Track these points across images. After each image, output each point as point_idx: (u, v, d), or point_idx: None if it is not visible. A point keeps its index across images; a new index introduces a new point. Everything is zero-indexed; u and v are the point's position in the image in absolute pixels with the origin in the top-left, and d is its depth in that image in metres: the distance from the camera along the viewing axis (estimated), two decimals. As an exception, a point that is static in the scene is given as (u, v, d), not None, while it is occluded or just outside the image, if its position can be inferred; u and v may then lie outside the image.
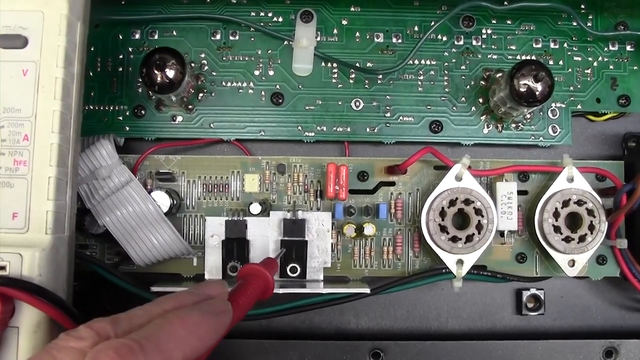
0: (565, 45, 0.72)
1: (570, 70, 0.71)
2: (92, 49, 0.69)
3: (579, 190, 0.65)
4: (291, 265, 0.65)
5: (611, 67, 0.71)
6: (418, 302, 0.72)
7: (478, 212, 0.64)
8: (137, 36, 0.70)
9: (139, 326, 0.42)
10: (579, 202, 0.65)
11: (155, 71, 0.62)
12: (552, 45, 0.72)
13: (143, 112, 0.69)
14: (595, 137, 0.74)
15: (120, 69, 0.70)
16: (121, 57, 0.70)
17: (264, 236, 0.66)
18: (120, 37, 0.70)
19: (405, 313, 0.72)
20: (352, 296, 0.64)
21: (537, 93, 0.64)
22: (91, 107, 0.69)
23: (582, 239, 0.65)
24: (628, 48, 0.72)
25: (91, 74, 0.69)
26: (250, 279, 0.52)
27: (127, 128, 0.69)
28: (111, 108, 0.69)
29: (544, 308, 0.71)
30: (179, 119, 0.69)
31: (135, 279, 0.64)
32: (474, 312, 0.72)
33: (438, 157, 0.65)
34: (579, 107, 0.71)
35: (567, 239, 0.65)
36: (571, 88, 0.71)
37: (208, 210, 0.68)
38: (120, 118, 0.69)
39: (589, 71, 0.71)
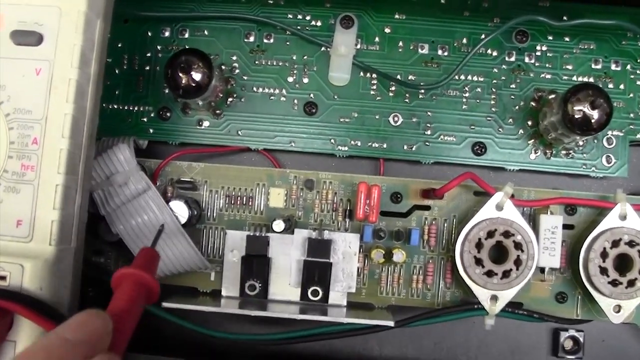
0: (628, 67, 0.67)
1: (631, 95, 0.67)
2: (120, 45, 0.67)
3: (632, 230, 0.61)
4: (313, 288, 0.62)
5: (677, 94, 0.67)
6: (447, 334, 0.69)
7: (518, 246, 0.61)
8: (167, 34, 0.68)
9: None
10: (631, 243, 0.61)
11: (180, 74, 0.60)
12: (613, 66, 0.67)
13: (168, 114, 0.67)
14: (655, 169, 0.69)
15: (147, 68, 0.68)
16: (149, 55, 0.68)
17: (286, 254, 0.63)
18: (150, 34, 0.68)
19: (432, 345, 0.69)
20: (374, 328, 0.61)
21: (592, 121, 0.60)
22: (115, 107, 0.67)
23: (631, 283, 0.60)
24: (697, 75, 0.67)
25: (117, 71, 0.67)
26: (127, 290, 0.47)
27: (151, 130, 0.67)
28: (136, 108, 0.67)
29: (582, 352, 0.67)
30: (206, 124, 0.67)
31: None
32: (505, 350, 0.69)
33: (478, 184, 0.61)
34: (638, 136, 0.66)
35: (614, 283, 0.61)
36: (631, 115, 0.67)
37: (229, 224, 0.65)
38: (145, 119, 0.67)
39: (652, 98, 0.67)
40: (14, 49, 0.52)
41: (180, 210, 0.63)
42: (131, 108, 0.67)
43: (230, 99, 0.67)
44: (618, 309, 0.61)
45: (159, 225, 0.61)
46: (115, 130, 0.66)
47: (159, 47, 0.68)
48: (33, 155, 0.51)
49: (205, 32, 0.68)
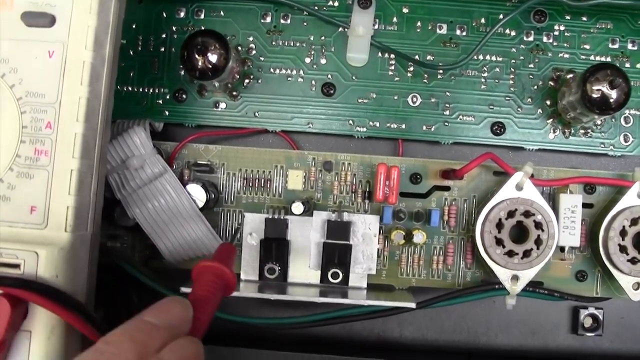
0: (644, 46, 0.61)
1: (648, 74, 0.61)
2: (134, 26, 0.61)
3: (650, 207, 0.56)
4: (333, 270, 0.57)
5: (694, 73, 0.61)
6: (467, 315, 0.64)
7: (538, 225, 0.55)
8: (182, 15, 0.61)
9: None
10: (649, 221, 0.56)
11: (197, 56, 0.54)
12: (629, 46, 0.61)
13: (184, 96, 0.61)
14: (671, 148, 0.64)
15: (163, 49, 0.61)
16: (164, 36, 0.61)
17: (305, 237, 0.57)
18: (165, 14, 0.61)
19: (453, 325, 0.63)
20: (396, 310, 0.56)
21: (611, 100, 0.55)
22: (130, 89, 0.61)
23: (650, 260, 0.56)
24: None
25: (131, 52, 0.61)
26: (207, 281, 0.45)
27: (167, 112, 0.61)
28: (151, 90, 0.61)
29: (602, 329, 0.62)
30: (222, 105, 0.61)
31: (165, 276, 0.57)
32: (526, 329, 0.63)
33: (499, 164, 0.56)
34: (655, 114, 0.61)
35: (634, 260, 0.56)
36: (648, 94, 0.61)
37: (247, 206, 0.60)
38: (160, 102, 0.61)
39: (668, 76, 0.61)
40: (25, 31, 0.47)
41: (198, 193, 0.57)
42: (146, 90, 0.61)
43: (247, 81, 0.61)
44: (637, 286, 0.57)
45: (176, 210, 0.56)
46: (131, 113, 0.60)
47: (174, 28, 0.61)
48: (47, 139, 0.46)
49: (222, 13, 0.61)
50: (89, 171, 0.48)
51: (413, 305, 0.54)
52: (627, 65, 0.61)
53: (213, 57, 0.54)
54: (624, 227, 0.56)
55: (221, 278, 0.46)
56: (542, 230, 0.55)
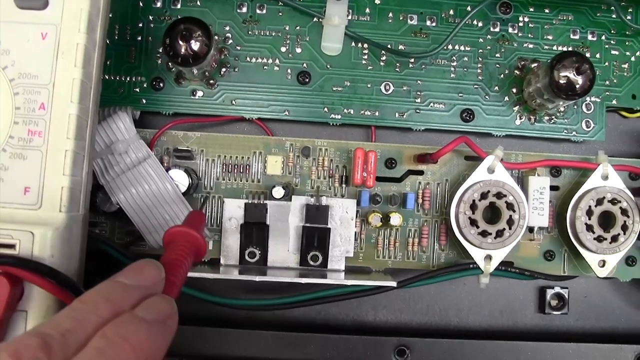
0: (603, 37, 0.65)
1: (607, 64, 0.65)
2: (110, 16, 0.61)
3: (614, 188, 0.60)
4: (312, 253, 0.59)
5: (649, 62, 0.65)
6: (439, 297, 0.66)
7: (510, 206, 0.59)
8: (159, 4, 0.63)
9: (76, 347, 0.34)
10: (613, 201, 0.60)
11: (180, 42, 0.56)
12: (589, 37, 0.65)
13: (162, 84, 0.62)
14: (627, 134, 0.68)
15: (139, 38, 0.62)
16: (141, 25, 0.62)
17: (284, 221, 0.59)
18: (141, 4, 0.63)
19: (425, 307, 0.66)
20: (377, 289, 0.58)
21: (577, 86, 0.58)
22: (107, 77, 0.62)
23: (614, 239, 0.60)
24: (667, 44, 0.66)
25: (108, 42, 0.62)
26: (178, 245, 0.46)
27: (144, 101, 0.62)
28: (128, 79, 0.62)
29: (567, 307, 0.66)
30: (200, 94, 0.62)
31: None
32: (495, 309, 0.66)
33: (472, 148, 0.59)
34: (614, 102, 0.65)
35: (600, 239, 0.60)
36: (607, 82, 0.65)
37: (227, 192, 0.61)
38: (137, 90, 0.62)
39: (625, 66, 0.65)
40: (18, 13, 0.48)
41: (180, 178, 0.58)
42: (123, 79, 0.62)
43: (223, 69, 0.62)
44: (603, 263, 0.61)
45: (159, 194, 0.57)
46: (108, 101, 0.61)
47: (150, 18, 0.62)
48: (40, 120, 0.47)
49: (198, 3, 0.63)
50: (81, 152, 0.48)
51: (394, 283, 0.57)
52: (588, 55, 0.64)
53: (196, 45, 0.56)
54: (590, 207, 0.60)
55: (192, 242, 0.47)
56: (514, 211, 0.58)
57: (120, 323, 0.36)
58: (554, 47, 0.65)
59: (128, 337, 0.35)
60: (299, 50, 0.63)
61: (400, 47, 0.64)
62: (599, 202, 0.60)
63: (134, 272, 0.41)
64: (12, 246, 0.44)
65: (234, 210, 0.59)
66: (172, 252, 0.46)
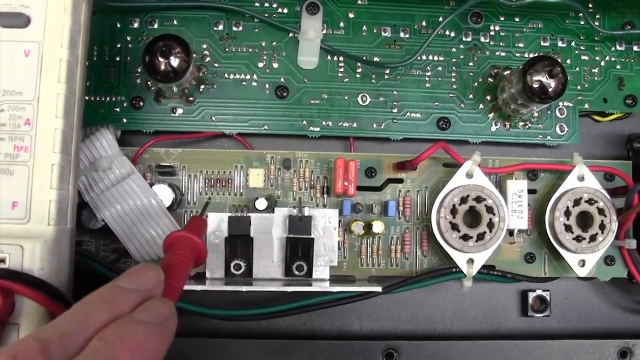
0: (572, 43, 0.68)
1: (577, 69, 0.68)
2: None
3: (590, 189, 0.62)
4: (297, 263, 0.60)
5: (618, 67, 0.68)
6: (422, 304, 0.68)
7: (489, 210, 0.61)
8: (136, 25, 0.65)
9: (74, 351, 0.35)
10: (590, 201, 0.62)
11: (160, 59, 0.57)
12: (559, 43, 0.68)
13: (141, 103, 0.64)
14: (601, 137, 0.71)
15: (118, 59, 0.64)
16: (119, 46, 0.65)
17: (268, 233, 0.61)
18: (119, 25, 0.65)
19: (410, 315, 0.68)
20: (362, 295, 0.60)
21: (550, 89, 0.61)
22: (87, 98, 0.63)
23: (592, 238, 0.62)
24: (635, 48, 0.69)
25: (87, 63, 0.63)
26: (178, 249, 0.48)
27: (125, 120, 0.64)
28: (108, 99, 0.64)
29: (549, 310, 0.68)
30: (179, 111, 0.64)
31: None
32: (478, 314, 0.68)
33: (449, 154, 0.61)
34: (586, 106, 0.68)
35: (578, 239, 0.62)
36: (579, 87, 0.68)
37: (210, 206, 0.63)
38: (118, 109, 0.64)
39: (596, 70, 0.68)
40: (0, 32, 0.49)
41: (165, 193, 0.60)
42: (103, 99, 0.64)
43: (202, 86, 0.64)
44: (582, 263, 0.63)
45: (144, 210, 0.59)
46: (89, 121, 0.62)
47: (128, 38, 0.65)
48: (26, 136, 0.48)
49: (175, 22, 0.65)
50: (67, 166, 0.50)
51: (379, 289, 0.59)
52: (559, 61, 0.67)
53: (175, 61, 0.57)
54: (567, 207, 0.62)
55: (192, 247, 0.48)
56: (494, 214, 0.61)
57: (118, 325, 0.37)
58: (525, 55, 0.68)
59: (125, 339, 0.36)
60: (275, 65, 0.65)
61: (375, 58, 0.66)
62: (576, 202, 0.62)
63: (133, 275, 0.42)
64: (1, 260, 0.46)
65: (217, 224, 0.61)
66: (172, 256, 0.47)
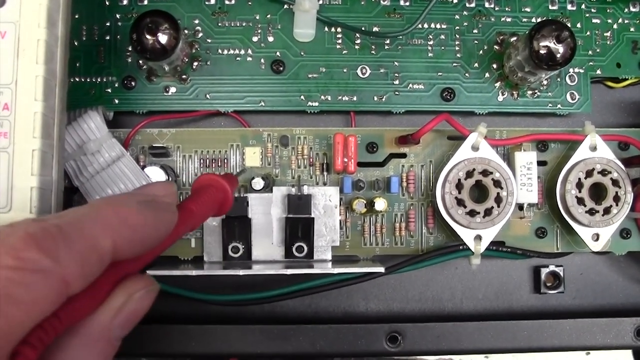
0: (583, 6, 0.65)
1: (588, 33, 0.65)
2: (77, 17, 0.62)
3: (603, 159, 0.59)
4: (297, 244, 0.59)
5: (632, 29, 0.65)
6: (431, 283, 0.66)
7: (497, 183, 0.58)
8: (125, 2, 0.63)
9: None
10: (603, 172, 0.59)
11: (147, 36, 0.55)
12: (569, 7, 0.65)
13: (133, 83, 0.62)
14: (614, 104, 0.68)
15: (108, 38, 0.62)
16: (108, 24, 0.63)
17: (267, 214, 0.59)
18: (107, 3, 0.63)
19: (418, 294, 0.66)
20: (365, 276, 0.58)
21: (558, 55, 0.58)
22: (77, 79, 0.62)
23: (606, 211, 0.59)
24: (649, 9, 0.66)
25: (76, 43, 0.62)
26: (206, 189, 0.46)
27: (117, 101, 0.62)
28: (99, 79, 0.62)
29: (563, 286, 0.65)
30: (172, 90, 0.62)
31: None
32: (489, 292, 0.66)
33: (453, 125, 0.59)
34: (598, 72, 0.65)
35: (592, 212, 0.59)
36: (590, 52, 0.65)
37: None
38: (109, 90, 0.62)
39: (608, 34, 0.65)
40: (-26, 14, 0.48)
41: (157, 175, 0.59)
42: (94, 80, 0.62)
43: (195, 63, 0.62)
44: (596, 237, 0.60)
45: (136, 193, 0.57)
46: (80, 103, 0.61)
47: (117, 16, 0.62)
48: (5, 121, 0.47)
49: (165, -2, 0.63)
50: (49, 151, 0.49)
51: (382, 269, 0.57)
52: (568, 25, 0.64)
53: (163, 38, 0.55)
54: (579, 179, 0.59)
55: (221, 190, 0.46)
56: (501, 188, 0.58)
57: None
58: (533, 19, 0.65)
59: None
60: (271, 39, 0.63)
61: (375, 28, 0.64)
62: (589, 173, 0.59)
63: (144, 186, 0.43)
64: (-17, 251, 0.45)
65: (214, 206, 0.59)
66: (198, 195, 0.45)
